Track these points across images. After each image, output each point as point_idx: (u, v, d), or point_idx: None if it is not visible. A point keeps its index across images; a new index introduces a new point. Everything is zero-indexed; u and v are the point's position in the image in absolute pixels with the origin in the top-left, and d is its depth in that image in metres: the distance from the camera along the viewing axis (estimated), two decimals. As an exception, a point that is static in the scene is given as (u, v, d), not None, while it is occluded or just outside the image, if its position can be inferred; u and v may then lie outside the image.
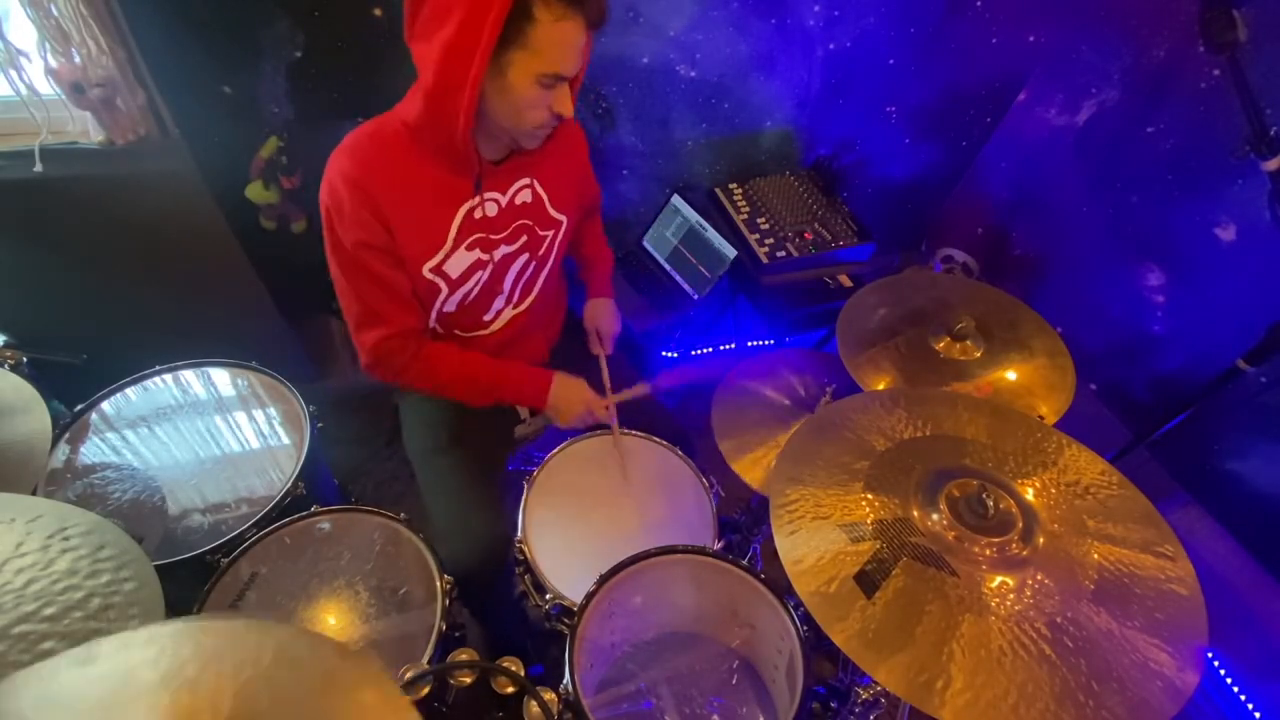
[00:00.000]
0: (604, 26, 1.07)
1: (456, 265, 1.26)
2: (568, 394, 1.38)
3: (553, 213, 1.34)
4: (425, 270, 1.23)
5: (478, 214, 1.23)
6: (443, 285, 1.26)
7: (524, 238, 1.32)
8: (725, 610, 1.21)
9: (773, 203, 2.10)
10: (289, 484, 1.28)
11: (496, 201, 1.25)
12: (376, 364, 1.29)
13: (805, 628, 1.05)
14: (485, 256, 1.28)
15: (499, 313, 1.39)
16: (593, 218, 1.61)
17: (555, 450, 1.40)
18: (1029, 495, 0.97)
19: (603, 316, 1.53)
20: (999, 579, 0.88)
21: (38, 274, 1.63)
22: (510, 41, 1.01)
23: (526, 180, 1.28)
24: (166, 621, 0.70)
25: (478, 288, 1.31)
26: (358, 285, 1.21)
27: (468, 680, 1.01)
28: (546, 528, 1.28)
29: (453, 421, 1.41)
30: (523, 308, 1.42)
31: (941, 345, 1.42)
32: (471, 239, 1.25)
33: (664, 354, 2.17)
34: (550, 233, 1.36)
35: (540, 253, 1.37)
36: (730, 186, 2.15)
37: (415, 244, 1.20)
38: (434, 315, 1.32)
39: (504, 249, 1.30)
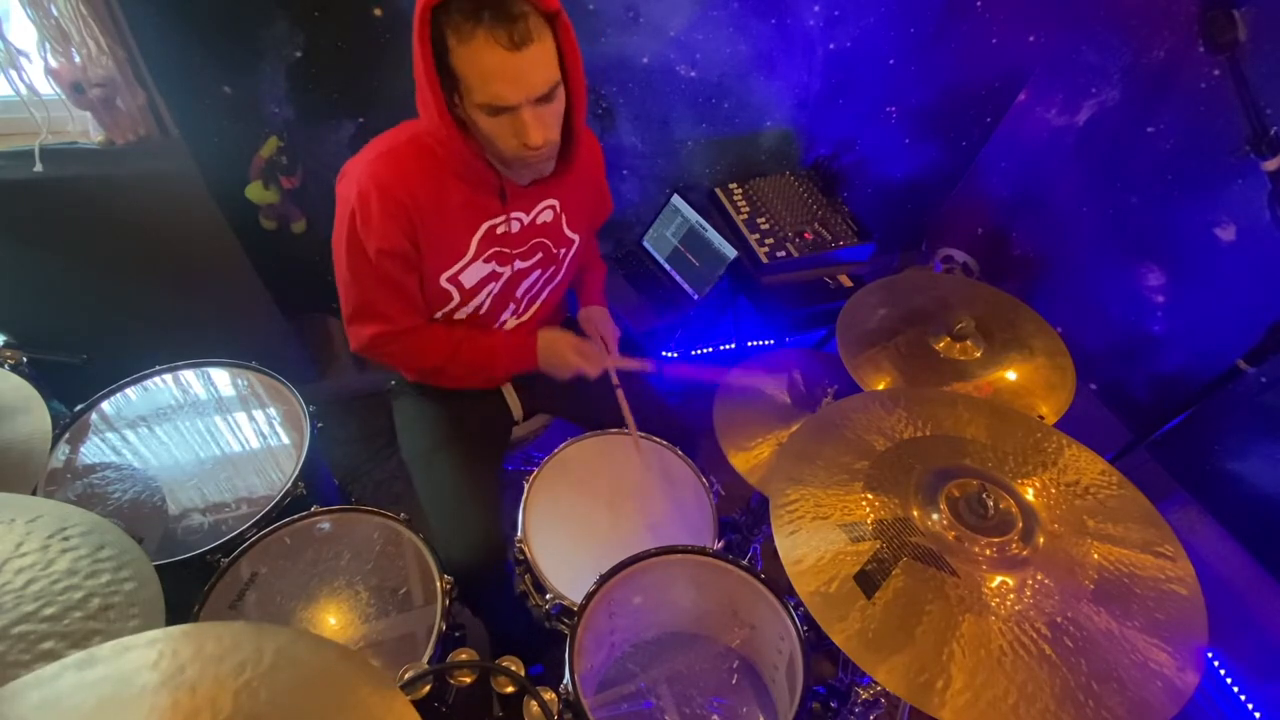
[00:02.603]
0: (528, 46, 0.96)
1: (472, 276, 1.27)
2: (555, 351, 1.36)
3: (568, 232, 1.35)
4: (442, 279, 1.24)
5: (500, 230, 1.24)
6: (455, 294, 1.28)
7: (539, 254, 1.33)
8: (725, 610, 1.22)
9: (773, 203, 2.10)
10: (289, 484, 1.28)
11: (520, 220, 1.26)
12: (367, 351, 1.30)
13: (805, 628, 1.05)
14: (501, 270, 1.29)
15: (504, 323, 1.41)
16: (594, 234, 1.61)
17: (555, 450, 1.40)
18: (1029, 495, 0.97)
19: (601, 322, 1.52)
20: (999, 579, 0.88)
21: (38, 274, 1.63)
22: (453, 76, 1.01)
23: (552, 201, 1.29)
24: (167, 626, 0.70)
25: (490, 299, 1.32)
26: (365, 284, 1.22)
27: (468, 680, 1.01)
28: (546, 528, 1.28)
29: (446, 425, 1.41)
30: (527, 317, 1.44)
31: (941, 345, 1.42)
32: (490, 252, 1.26)
33: (664, 354, 2.17)
34: (564, 250, 1.37)
35: (553, 268, 1.38)
36: (730, 186, 2.15)
37: (437, 253, 1.21)
38: (440, 319, 1.33)
39: (519, 264, 1.31)
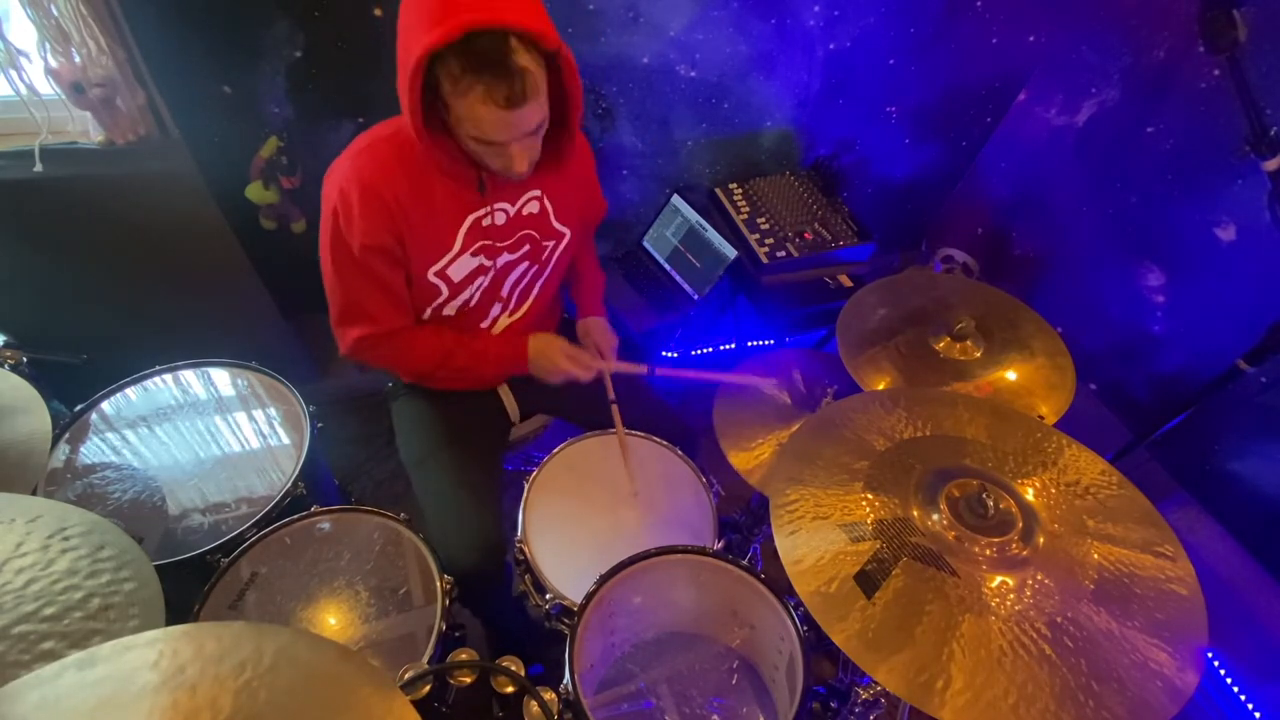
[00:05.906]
0: (523, 105, 0.99)
1: (459, 270, 1.26)
2: (545, 355, 1.36)
3: (556, 225, 1.35)
4: (429, 274, 1.24)
5: (485, 221, 1.24)
6: (444, 289, 1.27)
7: (526, 247, 1.33)
8: (725, 610, 1.22)
9: (773, 203, 2.10)
10: (289, 484, 1.28)
11: (505, 211, 1.26)
12: (354, 353, 1.29)
13: (805, 628, 1.05)
14: (488, 263, 1.28)
15: (495, 320, 1.40)
16: (589, 236, 1.60)
17: (555, 450, 1.40)
18: (1029, 495, 0.97)
19: (598, 333, 1.50)
20: (999, 579, 0.88)
21: (38, 274, 1.63)
22: (443, 100, 1.02)
23: (536, 192, 1.29)
24: (167, 626, 0.70)
25: (478, 293, 1.32)
26: (352, 283, 1.21)
27: (468, 680, 1.01)
28: (546, 528, 1.28)
29: (444, 428, 1.40)
30: (519, 315, 1.42)
31: (941, 345, 1.42)
32: (477, 245, 1.25)
33: (664, 354, 2.17)
34: (552, 243, 1.36)
35: (540, 262, 1.37)
36: (730, 186, 2.15)
37: (423, 248, 1.21)
38: (429, 315, 1.32)
39: (506, 256, 1.30)
